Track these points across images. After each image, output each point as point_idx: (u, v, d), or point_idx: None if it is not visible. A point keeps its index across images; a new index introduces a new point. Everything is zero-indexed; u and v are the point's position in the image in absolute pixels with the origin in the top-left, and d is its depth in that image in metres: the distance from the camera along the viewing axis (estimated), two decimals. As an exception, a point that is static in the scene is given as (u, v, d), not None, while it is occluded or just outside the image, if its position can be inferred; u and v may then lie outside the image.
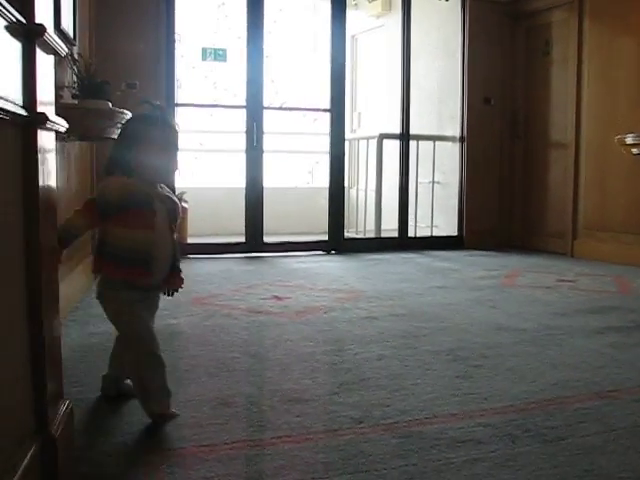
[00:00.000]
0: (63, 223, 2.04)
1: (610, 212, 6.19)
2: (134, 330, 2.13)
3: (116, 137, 2.29)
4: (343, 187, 6.60)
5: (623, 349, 3.08)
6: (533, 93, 7.09)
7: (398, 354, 2.92)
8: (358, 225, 7.41)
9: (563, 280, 5.01)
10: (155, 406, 2.13)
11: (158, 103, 2.28)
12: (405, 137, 6.89)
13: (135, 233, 2.07)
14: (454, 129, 7.18)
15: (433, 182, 7.22)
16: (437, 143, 7.20)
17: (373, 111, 8.42)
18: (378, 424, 2.13)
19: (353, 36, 8.68)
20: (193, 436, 2.02)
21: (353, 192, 7.64)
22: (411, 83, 6.87)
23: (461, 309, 3.89)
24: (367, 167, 7.37)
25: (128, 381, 2.31)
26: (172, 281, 2.25)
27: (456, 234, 7.11)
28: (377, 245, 6.77)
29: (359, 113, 8.78)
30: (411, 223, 6.97)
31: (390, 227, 7.02)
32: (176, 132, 2.22)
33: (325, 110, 6.58)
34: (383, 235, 7.02)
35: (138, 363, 2.13)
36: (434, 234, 7.17)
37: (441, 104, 7.40)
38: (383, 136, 7.11)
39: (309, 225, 7.53)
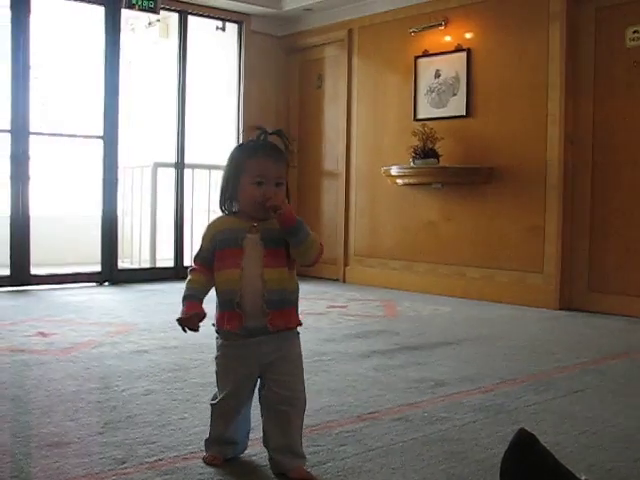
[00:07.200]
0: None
1: (379, 239, 6.55)
2: None
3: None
4: (116, 216, 6.42)
5: (385, 371, 3.25)
6: (307, 124, 7.35)
7: (167, 388, 2.86)
8: (133, 255, 7.22)
9: (334, 306, 5.21)
10: None
11: (270, 130, 2.04)
12: (180, 166, 6.85)
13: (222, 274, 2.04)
14: (231, 159, 7.24)
15: (209, 211, 7.21)
16: (213, 172, 7.22)
17: (150, 139, 8.27)
18: (142, 463, 2.06)
19: (130, 61, 8.49)
20: None
21: (128, 221, 7.43)
22: (188, 111, 6.85)
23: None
24: (142, 195, 7.22)
25: None
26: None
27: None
28: (152, 275, 6.64)
29: (135, 140, 8.57)
30: (188, 252, 6.91)
31: (167, 257, 6.91)
32: (282, 162, 2.00)
33: (98, 137, 6.36)
34: (159, 265, 6.89)
35: None
36: (211, 263, 7.12)
37: (218, 133, 7.44)
38: (158, 165, 7.01)
39: (81, 255, 7.19)
